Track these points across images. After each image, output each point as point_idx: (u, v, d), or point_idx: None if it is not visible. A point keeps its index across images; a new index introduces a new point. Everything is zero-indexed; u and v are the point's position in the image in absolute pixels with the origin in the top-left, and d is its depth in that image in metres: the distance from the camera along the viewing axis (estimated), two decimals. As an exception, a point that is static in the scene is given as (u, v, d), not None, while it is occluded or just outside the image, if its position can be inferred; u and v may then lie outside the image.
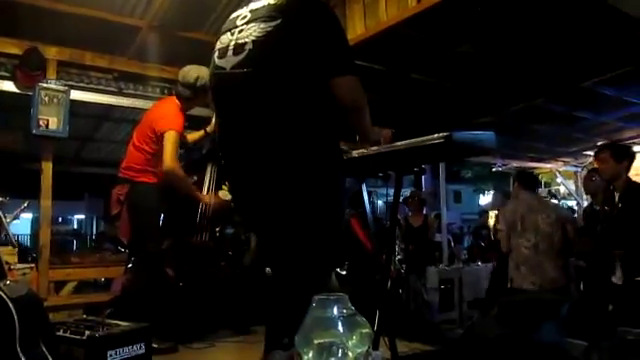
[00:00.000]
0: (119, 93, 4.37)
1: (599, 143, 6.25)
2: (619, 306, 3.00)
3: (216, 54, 1.81)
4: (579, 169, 8.48)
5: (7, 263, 2.68)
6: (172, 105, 3.23)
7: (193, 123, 3.57)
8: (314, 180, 1.71)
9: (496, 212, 6.01)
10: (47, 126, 3.82)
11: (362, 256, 4.13)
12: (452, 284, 5.11)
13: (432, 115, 5.47)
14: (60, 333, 2.24)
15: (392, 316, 2.03)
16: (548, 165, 8.68)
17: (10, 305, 1.81)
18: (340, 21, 1.86)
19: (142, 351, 2.39)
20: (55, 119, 3.84)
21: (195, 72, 3.18)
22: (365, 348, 0.96)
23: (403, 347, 2.60)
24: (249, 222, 2.11)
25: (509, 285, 4.05)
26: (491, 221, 7.57)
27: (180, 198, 3.30)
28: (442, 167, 6.75)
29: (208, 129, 3.51)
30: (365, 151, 1.92)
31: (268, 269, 2.43)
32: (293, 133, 1.67)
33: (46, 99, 3.82)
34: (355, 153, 1.95)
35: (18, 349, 1.79)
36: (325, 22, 1.73)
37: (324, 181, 1.73)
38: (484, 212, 9.70)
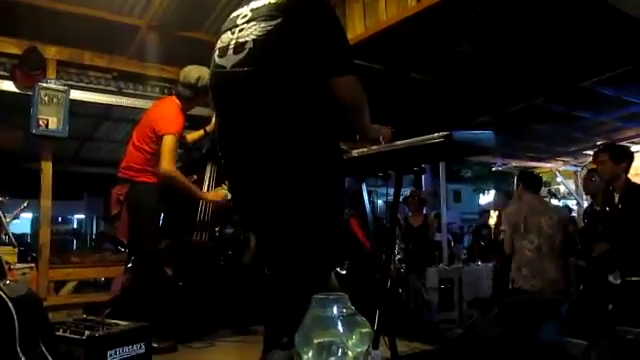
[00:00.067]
0: (118, 93, 4.36)
1: (599, 143, 6.28)
2: (618, 305, 3.00)
3: (216, 53, 1.81)
4: (579, 168, 8.49)
5: (7, 263, 2.68)
6: (172, 105, 3.22)
7: (193, 122, 3.56)
8: (314, 179, 1.70)
9: (497, 212, 6.02)
10: (47, 126, 3.82)
11: (362, 256, 4.12)
12: (452, 284, 5.10)
13: (432, 114, 5.47)
14: (60, 333, 2.23)
15: (392, 315, 2.04)
16: (548, 165, 8.68)
17: (10, 305, 1.80)
18: (340, 20, 1.86)
19: (142, 351, 2.39)
20: (55, 119, 3.84)
21: (196, 72, 3.18)
22: (365, 347, 0.96)
23: (403, 346, 2.60)
24: (248, 221, 2.10)
25: (510, 286, 4.06)
26: (491, 221, 7.56)
27: (179, 197, 3.30)
28: (442, 166, 6.74)
29: (208, 128, 3.51)
30: (365, 150, 1.93)
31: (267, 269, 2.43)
32: (293, 132, 1.67)
33: (46, 99, 3.82)
34: (355, 152, 1.96)
35: (18, 349, 1.78)
36: (325, 21, 1.73)
37: (324, 180, 1.73)
38: (484, 212, 9.69)
